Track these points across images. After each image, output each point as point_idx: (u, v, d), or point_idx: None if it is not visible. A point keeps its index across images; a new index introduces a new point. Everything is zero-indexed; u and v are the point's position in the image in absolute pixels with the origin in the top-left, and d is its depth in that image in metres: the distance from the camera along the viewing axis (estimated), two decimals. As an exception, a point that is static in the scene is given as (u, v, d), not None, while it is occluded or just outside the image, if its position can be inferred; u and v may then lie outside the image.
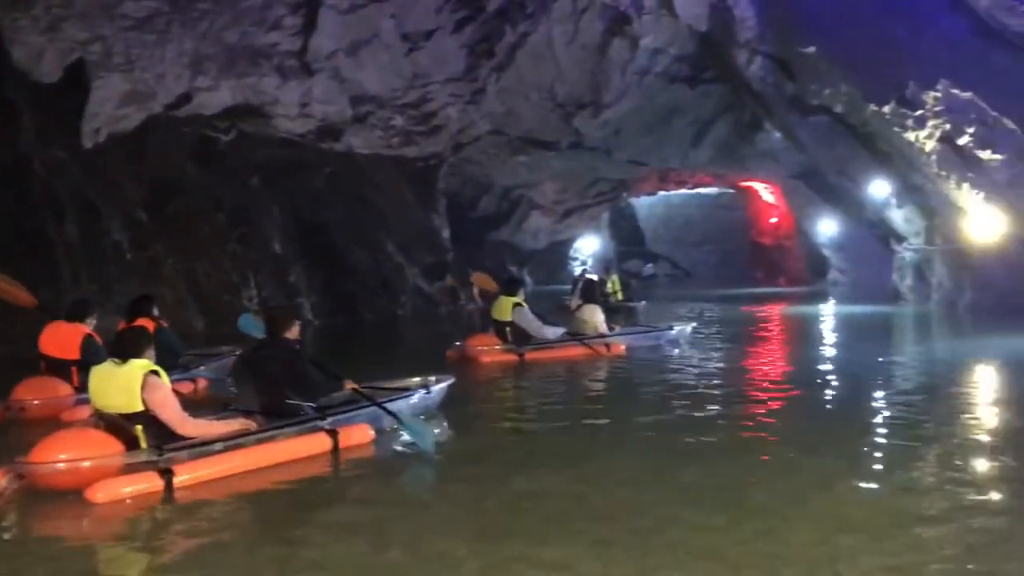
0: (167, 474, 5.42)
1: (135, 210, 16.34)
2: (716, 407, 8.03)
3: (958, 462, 5.90)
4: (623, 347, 12.02)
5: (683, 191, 34.51)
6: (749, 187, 31.10)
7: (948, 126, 14.62)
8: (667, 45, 20.31)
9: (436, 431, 6.85)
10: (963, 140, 14.54)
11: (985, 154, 14.39)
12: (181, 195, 17.39)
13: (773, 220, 31.93)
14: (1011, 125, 13.86)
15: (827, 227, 27.37)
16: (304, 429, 6.45)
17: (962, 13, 14.20)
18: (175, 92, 16.34)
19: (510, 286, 12.11)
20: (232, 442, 5.98)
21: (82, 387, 7.22)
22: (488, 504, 5.17)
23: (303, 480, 5.81)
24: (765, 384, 9.46)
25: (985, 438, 6.73)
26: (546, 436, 7.20)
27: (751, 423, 7.30)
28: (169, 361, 7.97)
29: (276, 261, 18.59)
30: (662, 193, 35.01)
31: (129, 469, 5.46)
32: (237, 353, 7.88)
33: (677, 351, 12.27)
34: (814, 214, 27.59)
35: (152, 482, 5.38)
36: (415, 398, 7.52)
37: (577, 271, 33.47)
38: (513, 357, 11.19)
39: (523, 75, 20.55)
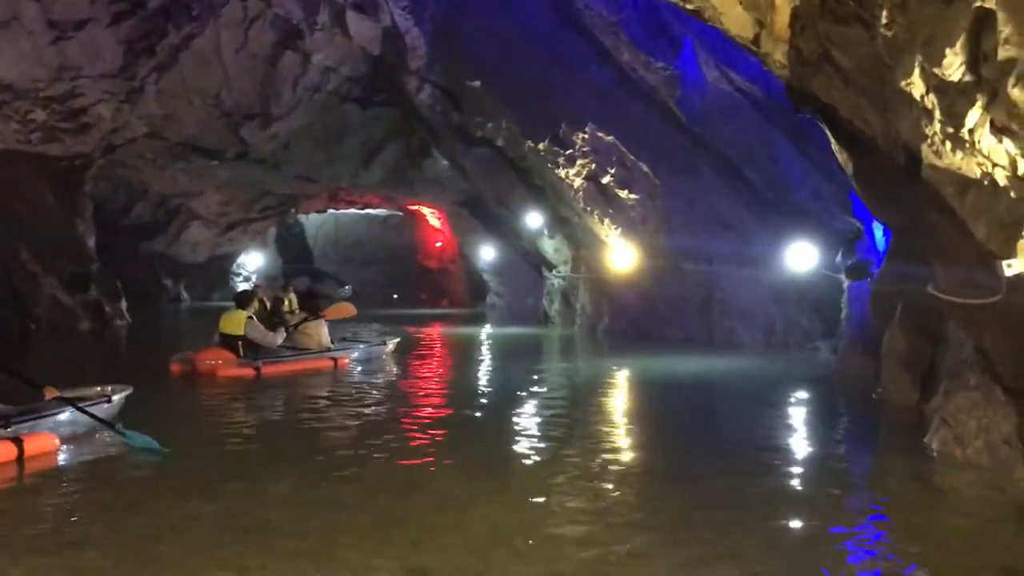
0: None
1: None
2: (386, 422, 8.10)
3: (595, 466, 6.45)
4: (347, 360, 12.41)
5: (353, 211, 34.62)
6: (417, 211, 31.93)
7: (594, 166, 16.05)
8: (339, 64, 20.32)
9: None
10: (606, 179, 16.02)
11: (623, 193, 15.97)
12: None
13: (438, 244, 33.06)
14: (645, 168, 15.52)
15: (487, 253, 28.85)
16: None
17: (609, 65, 15.70)
18: None
19: (241, 299, 12.16)
20: None
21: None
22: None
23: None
24: (427, 399, 9.72)
25: (617, 438, 7.44)
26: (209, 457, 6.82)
27: (417, 436, 7.45)
28: None
29: None
30: (331, 211, 34.85)
31: None
32: None
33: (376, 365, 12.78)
34: (476, 240, 28.99)
35: None
36: (99, 408, 7.43)
37: (241, 287, 32.20)
38: (250, 371, 11.07)
39: (186, 78, 19.49)
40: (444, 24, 17.31)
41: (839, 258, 13.83)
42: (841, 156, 9.09)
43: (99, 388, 7.89)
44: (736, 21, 7.41)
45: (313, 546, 4.62)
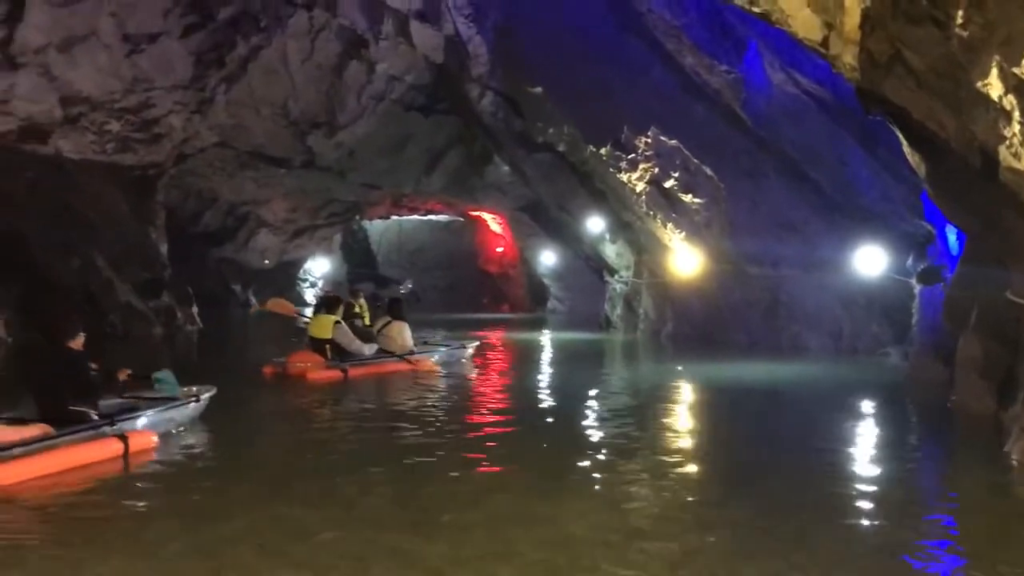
0: None
1: None
2: (447, 426, 8.19)
3: (667, 470, 6.42)
4: (431, 363, 12.72)
5: (415, 216, 34.97)
6: (478, 216, 32.09)
7: (656, 170, 15.95)
8: (404, 73, 20.55)
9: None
10: (669, 183, 15.92)
11: (687, 197, 15.85)
12: None
13: (499, 249, 33.16)
14: (709, 172, 15.38)
15: (548, 258, 28.84)
16: (96, 435, 6.64)
17: (671, 68, 15.60)
18: None
19: (329, 305, 12.48)
20: (32, 447, 6.09)
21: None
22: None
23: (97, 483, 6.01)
24: (496, 404, 9.82)
25: (684, 445, 7.39)
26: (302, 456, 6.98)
27: (487, 441, 7.52)
28: None
29: (-38, 271, 16.56)
30: (395, 217, 35.25)
31: None
32: None
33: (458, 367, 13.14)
34: (537, 245, 29.00)
35: None
36: (189, 407, 7.95)
37: (310, 292, 32.80)
38: (337, 374, 11.39)
39: (254, 89, 19.89)
40: (506, 31, 17.39)
41: (910, 262, 13.52)
42: (913, 158, 8.91)
43: (186, 389, 8.25)
44: (804, 24, 7.32)
45: (386, 550, 4.68)
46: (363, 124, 21.84)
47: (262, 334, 21.51)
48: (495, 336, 20.71)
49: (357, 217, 32.99)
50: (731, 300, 16.87)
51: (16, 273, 17.48)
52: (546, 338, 20.80)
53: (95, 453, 6.46)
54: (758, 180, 15.55)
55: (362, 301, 15.85)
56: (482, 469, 6.71)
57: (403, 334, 12.75)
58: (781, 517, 5.38)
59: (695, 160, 15.48)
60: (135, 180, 20.55)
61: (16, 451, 6.00)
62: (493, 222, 31.86)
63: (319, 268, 34.86)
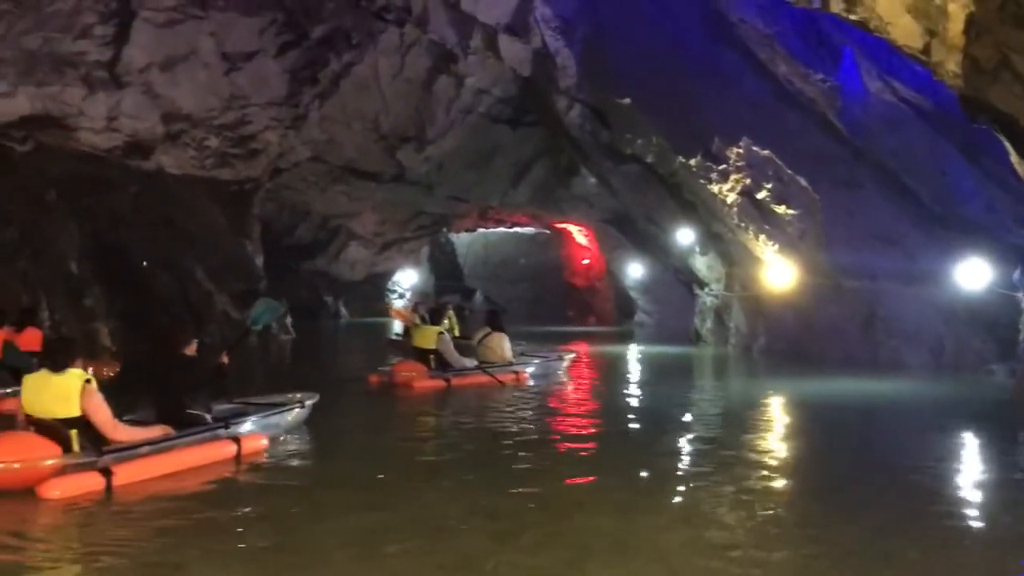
0: (107, 474, 5.93)
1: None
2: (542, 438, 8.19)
3: (759, 487, 6.27)
4: (527, 374, 12.94)
5: (501, 229, 35.16)
6: (564, 229, 32.07)
7: (748, 180, 15.67)
8: (491, 86, 20.76)
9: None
10: (761, 194, 15.62)
11: (780, 209, 15.52)
12: (-34, 206, 15.95)
13: (585, 262, 33.05)
14: (803, 183, 15.03)
15: (635, 270, 28.61)
16: (212, 437, 7.08)
17: (763, 77, 15.32)
18: (-36, 96, 15.04)
19: (434, 316, 12.88)
20: (157, 446, 6.54)
21: None
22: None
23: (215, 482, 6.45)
24: (586, 416, 9.78)
25: (777, 462, 7.20)
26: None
27: (578, 452, 7.50)
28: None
29: (71, 282, 17.31)
30: (481, 230, 35.52)
31: (71, 469, 5.91)
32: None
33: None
34: (624, 257, 28.79)
35: (94, 481, 5.88)
36: (294, 411, 8.36)
37: (398, 303, 33.29)
38: (441, 383, 11.72)
39: (346, 104, 20.36)
40: (594, 43, 17.35)
41: (1017, 275, 12.93)
42: (1021, 167, 8.54)
43: (290, 395, 8.73)
44: (904, 31, 7.11)
45: (476, 560, 4.68)
46: (451, 137, 22.13)
47: (353, 344, 21.93)
48: (582, 349, 20.60)
49: (444, 230, 33.38)
50: (826, 314, 16.42)
51: (120, 285, 18.22)
52: (634, 351, 20.61)
53: (211, 454, 6.86)
54: (854, 191, 15.12)
55: (451, 313, 16.11)
56: (571, 481, 6.69)
57: (503, 345, 13.04)
58: (877, 539, 5.19)
59: (789, 170, 15.16)
60: (232, 194, 21.25)
61: (143, 450, 6.44)
62: (579, 234, 31.79)
63: (407, 280, 35.34)
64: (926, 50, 7.18)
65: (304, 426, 8.54)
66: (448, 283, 38.34)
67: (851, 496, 6.34)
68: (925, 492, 6.50)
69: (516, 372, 12.74)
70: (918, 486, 6.70)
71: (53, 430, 6.09)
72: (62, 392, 6.12)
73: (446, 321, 15.88)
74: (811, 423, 10.27)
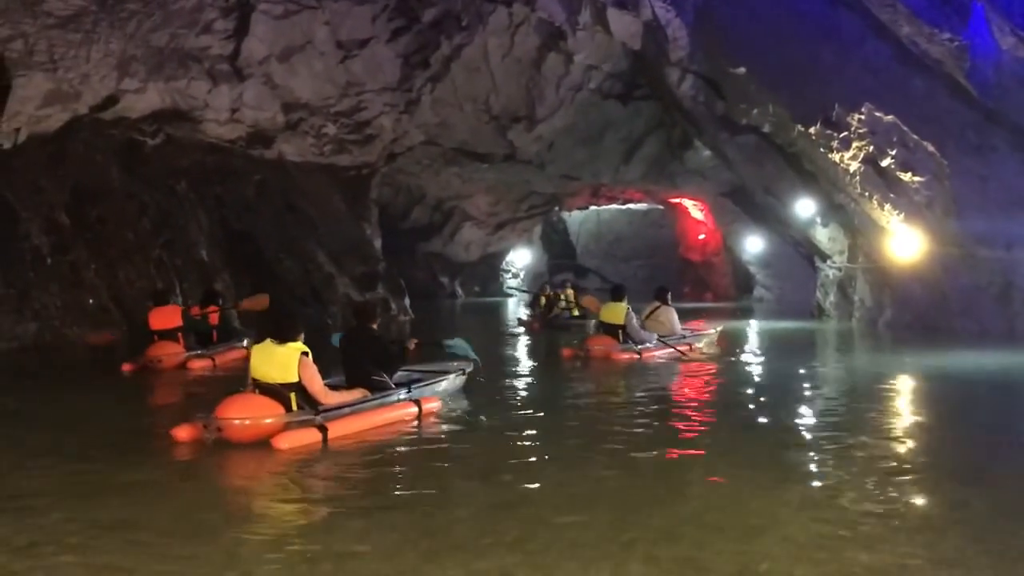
0: (323, 430, 6.94)
1: (56, 214, 15.80)
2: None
3: (889, 468, 6.05)
4: (700, 346, 13.71)
5: (614, 206, 34.89)
6: (678, 204, 31.56)
7: (871, 148, 15.07)
8: (601, 62, 20.56)
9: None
10: (885, 162, 15.00)
11: (906, 176, 14.87)
12: (105, 199, 16.88)
13: (701, 236, 32.47)
14: (930, 148, 14.34)
15: (753, 244, 27.96)
16: (398, 399, 8.12)
17: (885, 39, 14.65)
18: (101, 94, 15.84)
19: (617, 293, 13.30)
20: (356, 407, 7.57)
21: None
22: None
23: (400, 438, 7.28)
24: (711, 393, 9.68)
25: (908, 442, 6.93)
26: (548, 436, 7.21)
27: (701, 431, 7.42)
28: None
29: (202, 268, 18.17)
30: (593, 208, 35.34)
31: (292, 426, 6.89)
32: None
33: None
34: (741, 231, 28.18)
35: (314, 435, 6.89)
36: (460, 379, 9.49)
37: (513, 283, 33.54)
38: (634, 356, 12.42)
39: (458, 87, 20.54)
40: (705, 12, 16.94)
41: None
42: None
43: (455, 364, 9.71)
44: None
45: (593, 538, 4.67)
46: (562, 115, 22.06)
47: (469, 324, 22.21)
48: (699, 326, 20.25)
49: (556, 208, 33.38)
50: (957, 285, 15.68)
51: (248, 268, 18.98)
52: (755, 327, 20.14)
53: (399, 415, 7.84)
54: (986, 155, 14.33)
55: (569, 291, 16.14)
56: (691, 455, 6.59)
57: (671, 318, 13.67)
58: (1019, 518, 4.93)
59: (914, 136, 14.48)
60: (350, 179, 21.81)
61: (346, 410, 7.44)
62: (694, 209, 31.23)
63: (520, 259, 35.54)
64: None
65: (462, 392, 9.42)
66: (561, 261, 38.37)
67: (990, 477, 6.03)
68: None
69: (689, 344, 13.33)
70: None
71: (275, 392, 7.03)
72: (284, 361, 7.04)
73: (562, 299, 15.91)
74: (944, 401, 9.79)
